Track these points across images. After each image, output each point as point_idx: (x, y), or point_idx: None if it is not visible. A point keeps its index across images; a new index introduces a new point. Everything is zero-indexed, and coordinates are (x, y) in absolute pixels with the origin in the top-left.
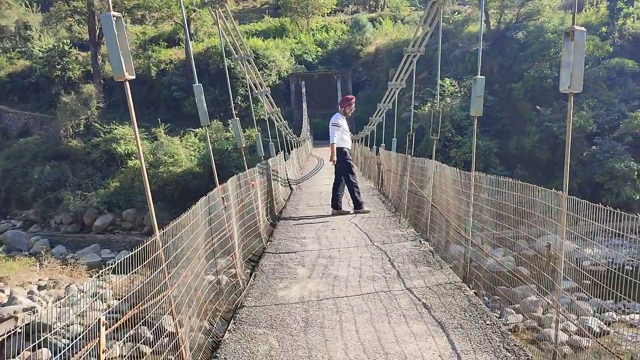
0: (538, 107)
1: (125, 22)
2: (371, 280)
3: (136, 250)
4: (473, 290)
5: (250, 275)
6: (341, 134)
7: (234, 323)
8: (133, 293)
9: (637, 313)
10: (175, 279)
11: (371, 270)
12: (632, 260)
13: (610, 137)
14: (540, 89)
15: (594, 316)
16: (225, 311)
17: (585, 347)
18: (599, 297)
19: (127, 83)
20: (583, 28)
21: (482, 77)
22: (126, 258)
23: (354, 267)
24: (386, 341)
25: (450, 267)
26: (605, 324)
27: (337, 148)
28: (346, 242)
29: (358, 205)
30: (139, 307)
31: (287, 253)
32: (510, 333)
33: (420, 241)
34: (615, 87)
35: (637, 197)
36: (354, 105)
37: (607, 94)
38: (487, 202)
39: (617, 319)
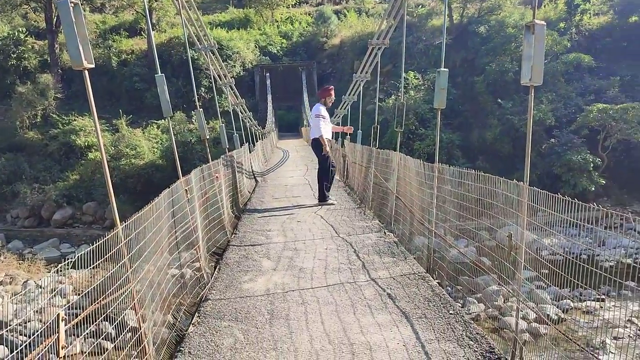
0: (499, 100)
1: (84, 10)
2: (336, 271)
3: (97, 244)
4: (437, 281)
5: (215, 268)
6: (324, 125)
7: (199, 316)
8: (94, 288)
9: (592, 300)
10: (138, 272)
11: (336, 262)
12: (588, 249)
13: (567, 130)
14: (501, 82)
15: (552, 304)
16: (190, 305)
17: (543, 334)
18: (557, 286)
19: (86, 72)
20: (543, 22)
21: (445, 69)
22: (86, 252)
23: (319, 258)
24: (351, 332)
25: (414, 258)
26: (563, 312)
27: (315, 139)
28: (312, 234)
29: (324, 198)
30: (99, 301)
31: (252, 246)
32: (472, 322)
33: (384, 232)
34: (573, 81)
35: (593, 188)
36: (333, 94)
37: (565, 88)
38: (450, 193)
39: (573, 307)
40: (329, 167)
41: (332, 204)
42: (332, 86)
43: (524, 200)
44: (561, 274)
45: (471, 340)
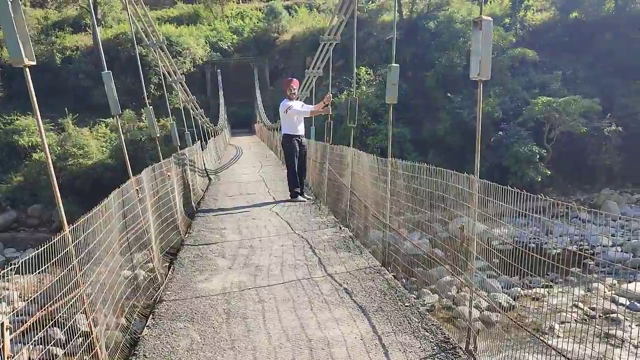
0: (449, 95)
1: (25, 5)
2: (293, 268)
3: (44, 247)
4: (392, 274)
5: (169, 268)
6: (288, 118)
7: (153, 318)
8: (41, 293)
9: (539, 287)
10: (88, 276)
11: (293, 259)
12: (536, 238)
13: (514, 122)
14: (451, 76)
15: (502, 292)
16: (144, 307)
17: (495, 321)
18: (507, 274)
19: (27, 69)
20: (490, 18)
21: (396, 65)
22: (33, 256)
23: (275, 256)
24: (309, 328)
25: (370, 252)
26: (513, 299)
27: (286, 135)
28: (267, 231)
29: (295, 194)
30: (47, 307)
31: (206, 245)
32: (427, 313)
33: (340, 228)
34: (518, 75)
35: (539, 179)
36: (294, 85)
37: (511, 82)
38: (403, 187)
39: (523, 294)
40: (297, 164)
41: (303, 201)
42: (292, 78)
43: (474, 192)
44: (511, 263)
45: (427, 331)
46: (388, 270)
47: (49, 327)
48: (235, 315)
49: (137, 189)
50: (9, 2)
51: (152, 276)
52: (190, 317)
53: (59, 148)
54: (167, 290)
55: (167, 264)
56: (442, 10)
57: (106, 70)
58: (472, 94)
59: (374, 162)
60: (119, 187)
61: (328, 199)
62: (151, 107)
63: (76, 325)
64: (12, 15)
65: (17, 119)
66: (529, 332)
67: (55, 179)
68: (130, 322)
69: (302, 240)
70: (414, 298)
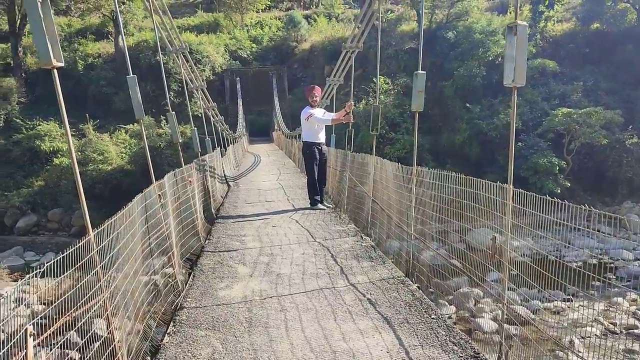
0: (468, 105)
1: None
2: (315, 277)
3: (67, 252)
4: (416, 285)
5: (189, 275)
6: (310, 126)
7: (174, 325)
8: (64, 298)
9: (559, 300)
10: (111, 281)
11: (314, 267)
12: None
13: (534, 133)
14: (469, 87)
15: (521, 304)
16: (164, 313)
17: (513, 335)
18: (528, 287)
19: (55, 71)
20: (525, 23)
21: (423, 72)
22: (56, 261)
23: (296, 264)
24: (333, 339)
25: (392, 262)
26: (532, 312)
27: (306, 142)
28: (287, 239)
29: (315, 202)
30: (71, 313)
31: (226, 251)
32: (455, 326)
33: (361, 236)
34: (538, 86)
35: (559, 191)
36: (316, 92)
37: (531, 93)
38: (429, 196)
39: (542, 307)
40: (317, 171)
41: (322, 209)
42: (315, 85)
43: (508, 202)
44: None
45: (455, 345)
46: (412, 281)
47: (71, 332)
48: (257, 324)
49: (159, 194)
50: (39, 4)
51: (172, 282)
52: (211, 325)
53: (80, 153)
54: (187, 297)
55: (187, 271)
56: (461, 21)
57: (131, 75)
58: (491, 105)
59: (398, 170)
60: (142, 192)
61: (348, 207)
62: (173, 112)
63: (97, 332)
64: (42, 17)
65: (39, 125)
66: (560, 346)
67: (80, 182)
68: (151, 329)
69: (323, 248)
70: (440, 311)
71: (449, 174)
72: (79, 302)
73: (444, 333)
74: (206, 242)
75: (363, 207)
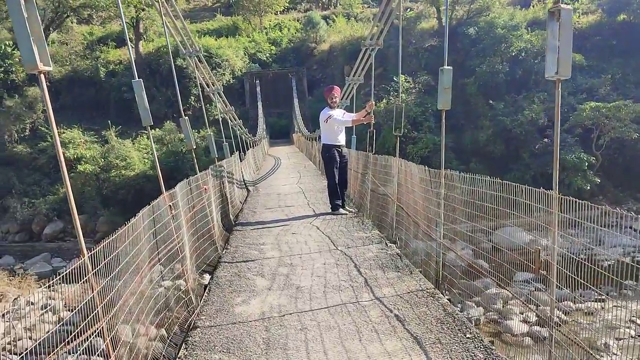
0: (491, 102)
1: (72, 22)
2: (337, 290)
3: (60, 276)
4: (447, 297)
5: (205, 289)
6: (328, 128)
7: (186, 348)
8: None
9: (592, 301)
10: (108, 310)
11: (337, 279)
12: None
13: (561, 129)
14: (492, 83)
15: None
16: (176, 334)
17: (544, 337)
18: (558, 287)
19: (42, 76)
20: (570, 6)
21: (449, 67)
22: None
23: (317, 275)
24: None
25: (420, 272)
26: (564, 314)
27: (325, 145)
28: (308, 247)
29: (336, 207)
30: (63, 345)
31: (244, 262)
32: (494, 347)
33: (386, 244)
34: (564, 80)
35: (588, 187)
36: (335, 93)
37: None
38: (460, 202)
39: (575, 308)
40: (338, 175)
41: (344, 214)
42: (334, 86)
43: (555, 211)
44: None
45: None
46: (442, 294)
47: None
48: (275, 346)
49: (170, 205)
50: (22, 2)
51: (185, 299)
52: (226, 347)
53: (103, 160)
54: (201, 315)
55: (202, 283)
56: (482, 16)
57: (137, 79)
58: (515, 101)
59: (425, 174)
60: (150, 204)
61: (371, 212)
62: (187, 117)
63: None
64: (26, 17)
65: (63, 132)
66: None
67: (70, 189)
68: (161, 353)
69: (345, 257)
70: (477, 331)
71: (481, 177)
72: (73, 334)
73: (481, 356)
74: (224, 252)
75: (387, 212)
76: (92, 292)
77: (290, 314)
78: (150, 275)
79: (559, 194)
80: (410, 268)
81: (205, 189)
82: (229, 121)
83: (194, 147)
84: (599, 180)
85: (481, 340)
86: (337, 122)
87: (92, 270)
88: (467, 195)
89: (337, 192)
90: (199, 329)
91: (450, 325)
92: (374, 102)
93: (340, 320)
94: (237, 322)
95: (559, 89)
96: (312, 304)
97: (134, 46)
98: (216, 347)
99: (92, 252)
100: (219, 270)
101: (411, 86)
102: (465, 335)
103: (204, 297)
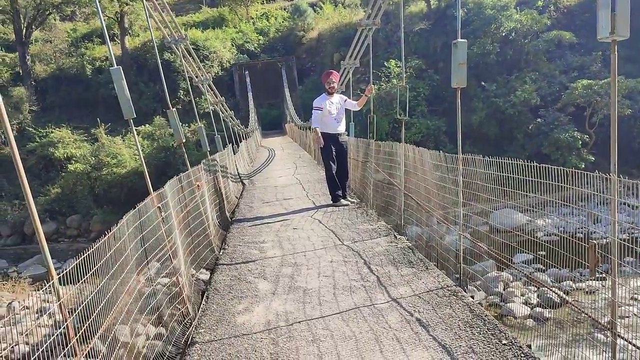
0: (483, 83)
1: (55, 19)
2: (348, 291)
3: (27, 303)
4: (470, 295)
5: (202, 296)
6: (322, 117)
7: None
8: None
9: (592, 280)
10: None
11: (346, 278)
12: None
13: (553, 108)
14: (483, 65)
15: (552, 287)
16: (170, 356)
17: (546, 318)
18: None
19: None
20: None
21: (463, 40)
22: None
23: (325, 275)
24: None
25: (435, 266)
26: (564, 293)
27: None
28: (312, 243)
29: (337, 198)
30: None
31: (244, 263)
32: (534, 353)
33: (395, 236)
34: (555, 59)
35: (583, 166)
36: (334, 78)
37: (547, 67)
38: (484, 189)
39: (575, 287)
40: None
41: (346, 205)
42: (332, 70)
43: (614, 197)
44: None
45: None
46: (465, 291)
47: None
48: None
49: (159, 207)
50: None
51: (182, 309)
52: None
53: (93, 158)
54: (200, 327)
55: (199, 291)
56: None
57: (115, 67)
58: (507, 82)
59: (439, 160)
60: (134, 209)
61: (375, 202)
62: (175, 109)
63: None
64: None
65: (51, 132)
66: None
67: (26, 180)
68: None
69: (353, 253)
70: (513, 336)
71: (513, 161)
72: None
73: None
74: (221, 253)
75: (394, 202)
76: (65, 321)
77: (299, 322)
78: (139, 288)
79: (618, 177)
80: (425, 263)
81: (199, 185)
82: (220, 113)
83: (184, 140)
84: (594, 159)
85: (519, 347)
86: (329, 112)
87: (61, 299)
88: (492, 182)
89: (336, 183)
90: (197, 345)
91: (481, 329)
92: (373, 86)
93: (355, 327)
94: (240, 334)
95: (616, 53)
96: (323, 309)
97: (118, 41)
98: None
99: (62, 273)
100: (217, 273)
101: (402, 71)
102: (500, 342)
103: (201, 305)
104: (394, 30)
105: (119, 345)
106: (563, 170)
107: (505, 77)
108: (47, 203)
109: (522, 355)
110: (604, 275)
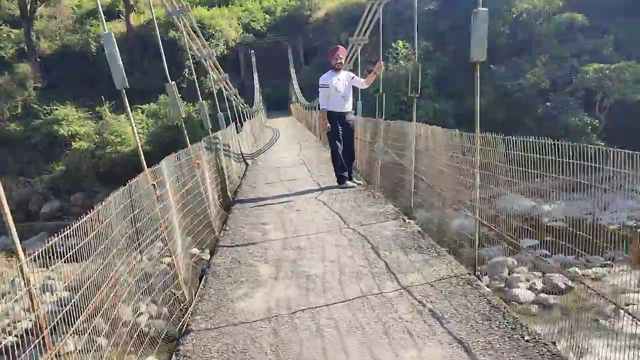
0: (491, 66)
1: None
2: (355, 277)
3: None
4: (485, 284)
5: (200, 279)
6: (329, 94)
7: None
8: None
9: (598, 266)
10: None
11: (353, 263)
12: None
13: (563, 92)
14: (493, 47)
15: (560, 273)
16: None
17: (551, 304)
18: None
19: None
20: None
21: (484, 9)
22: None
23: (330, 260)
24: None
25: (447, 252)
26: (570, 280)
27: (327, 112)
28: (316, 226)
29: (342, 179)
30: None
31: (245, 245)
32: (561, 350)
33: (404, 220)
34: (566, 42)
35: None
36: (340, 54)
37: (558, 50)
38: (505, 171)
39: (581, 274)
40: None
41: (352, 186)
42: (338, 46)
43: None
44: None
45: None
46: (480, 279)
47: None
48: (287, 356)
49: (154, 184)
50: None
51: (177, 294)
52: (225, 357)
53: (98, 136)
54: (196, 314)
55: (197, 274)
56: None
57: (106, 31)
58: (516, 64)
59: (456, 139)
60: (124, 185)
61: (382, 183)
62: (174, 82)
63: None
64: None
65: (56, 109)
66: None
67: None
68: None
69: (359, 237)
70: (536, 332)
71: (542, 140)
72: None
73: None
74: (221, 234)
75: (404, 184)
76: (35, 310)
77: (302, 310)
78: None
79: None
80: (436, 249)
81: (198, 164)
82: (224, 90)
83: (184, 115)
84: (603, 144)
85: (545, 344)
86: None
87: (31, 285)
88: (517, 164)
89: (342, 164)
90: (192, 334)
91: (500, 323)
92: (383, 64)
93: (362, 317)
94: (239, 322)
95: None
96: (327, 297)
97: (124, 18)
98: (214, 358)
99: (32, 255)
100: (216, 256)
101: (410, 52)
102: (523, 338)
103: (199, 290)
104: (401, 10)
105: (100, 337)
106: (599, 149)
107: (515, 60)
108: (52, 181)
109: (548, 353)
110: (610, 262)
